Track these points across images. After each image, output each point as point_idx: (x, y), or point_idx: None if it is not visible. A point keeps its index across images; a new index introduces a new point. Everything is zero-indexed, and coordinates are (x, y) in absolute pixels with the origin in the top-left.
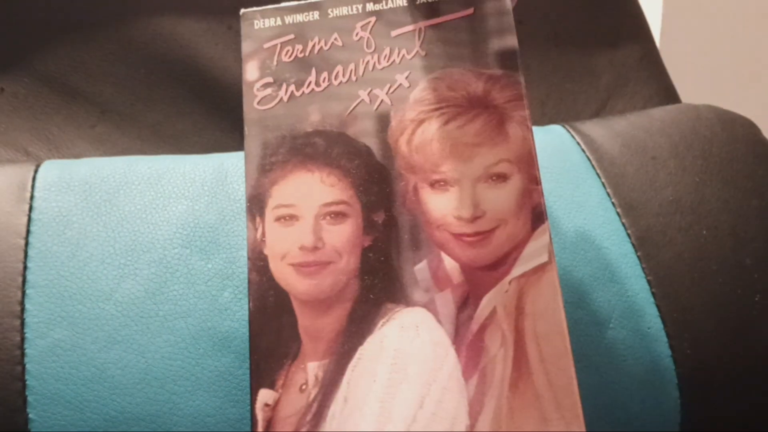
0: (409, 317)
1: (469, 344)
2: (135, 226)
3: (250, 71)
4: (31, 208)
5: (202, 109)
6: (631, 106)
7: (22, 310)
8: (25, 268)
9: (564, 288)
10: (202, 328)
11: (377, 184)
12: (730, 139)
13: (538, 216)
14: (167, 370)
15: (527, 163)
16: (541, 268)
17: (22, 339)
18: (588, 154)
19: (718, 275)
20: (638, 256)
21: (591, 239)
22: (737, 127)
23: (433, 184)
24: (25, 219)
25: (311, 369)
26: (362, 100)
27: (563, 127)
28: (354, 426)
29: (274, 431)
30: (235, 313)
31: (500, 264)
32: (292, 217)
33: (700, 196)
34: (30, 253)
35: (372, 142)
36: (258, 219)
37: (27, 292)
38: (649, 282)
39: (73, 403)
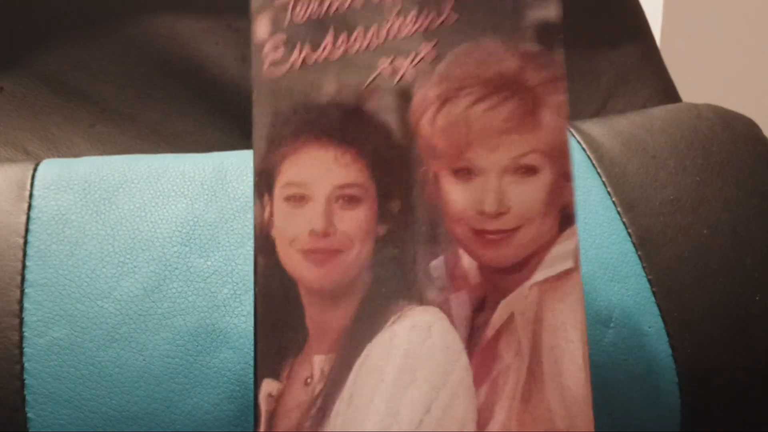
0: (421, 317)
1: (483, 350)
2: (134, 224)
3: (260, 30)
4: (30, 207)
5: (202, 108)
6: (632, 106)
7: (21, 308)
8: (24, 266)
9: None
10: (201, 325)
11: (395, 168)
12: (730, 139)
13: (566, 217)
14: (165, 367)
15: (560, 155)
16: (565, 275)
17: (21, 338)
18: (588, 153)
19: (718, 274)
20: (638, 256)
21: (591, 238)
22: (738, 126)
23: (455, 173)
24: (24, 218)
25: (317, 362)
26: (382, 70)
27: None
28: (359, 425)
29: (277, 424)
30: (234, 308)
31: (522, 267)
32: (303, 198)
33: (700, 196)
34: (29, 251)
35: (391, 120)
36: (266, 197)
37: (26, 290)
38: (649, 281)
39: (71, 401)
